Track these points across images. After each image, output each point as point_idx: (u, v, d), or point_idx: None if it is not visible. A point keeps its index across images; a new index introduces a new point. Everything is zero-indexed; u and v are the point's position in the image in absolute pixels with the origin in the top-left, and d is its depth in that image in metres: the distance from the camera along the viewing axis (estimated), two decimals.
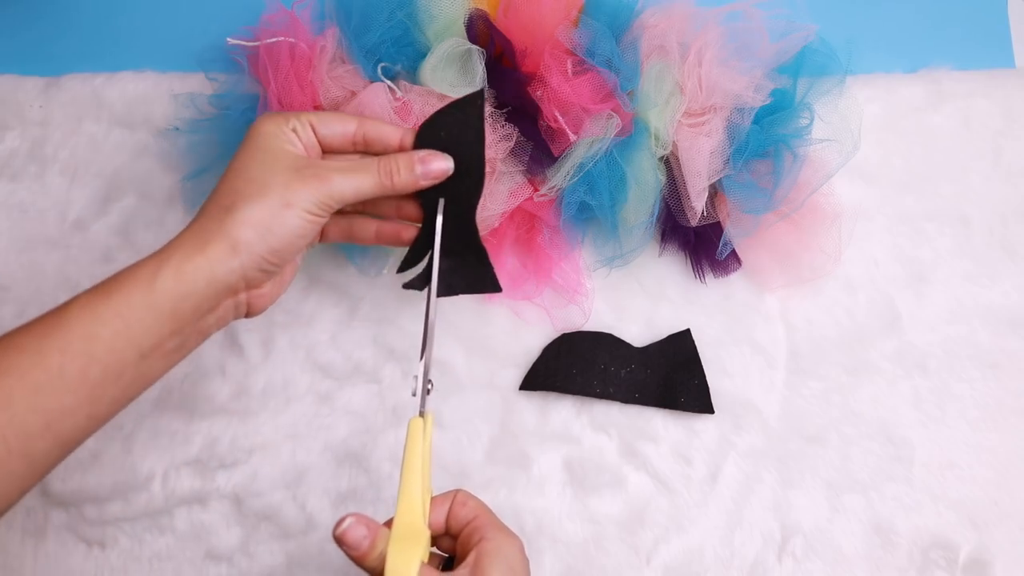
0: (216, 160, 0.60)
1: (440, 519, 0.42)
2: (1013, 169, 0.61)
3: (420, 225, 0.48)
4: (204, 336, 0.43)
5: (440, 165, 0.45)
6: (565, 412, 0.58)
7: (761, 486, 0.56)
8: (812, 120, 0.56)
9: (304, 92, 0.56)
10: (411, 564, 0.37)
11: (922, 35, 0.65)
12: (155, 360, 0.40)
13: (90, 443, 0.58)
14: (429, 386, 0.44)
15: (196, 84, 0.62)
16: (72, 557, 0.57)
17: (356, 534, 0.38)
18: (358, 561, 0.39)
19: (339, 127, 0.45)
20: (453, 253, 0.47)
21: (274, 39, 0.56)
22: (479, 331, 0.59)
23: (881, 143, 0.61)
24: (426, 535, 0.40)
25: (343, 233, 0.50)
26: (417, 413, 0.42)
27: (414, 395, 0.43)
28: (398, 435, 0.58)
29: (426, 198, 0.47)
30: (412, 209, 0.48)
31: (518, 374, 0.58)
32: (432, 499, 0.43)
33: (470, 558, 0.39)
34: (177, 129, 0.61)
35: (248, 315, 0.45)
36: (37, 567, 0.57)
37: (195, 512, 0.57)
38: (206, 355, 0.59)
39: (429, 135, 0.46)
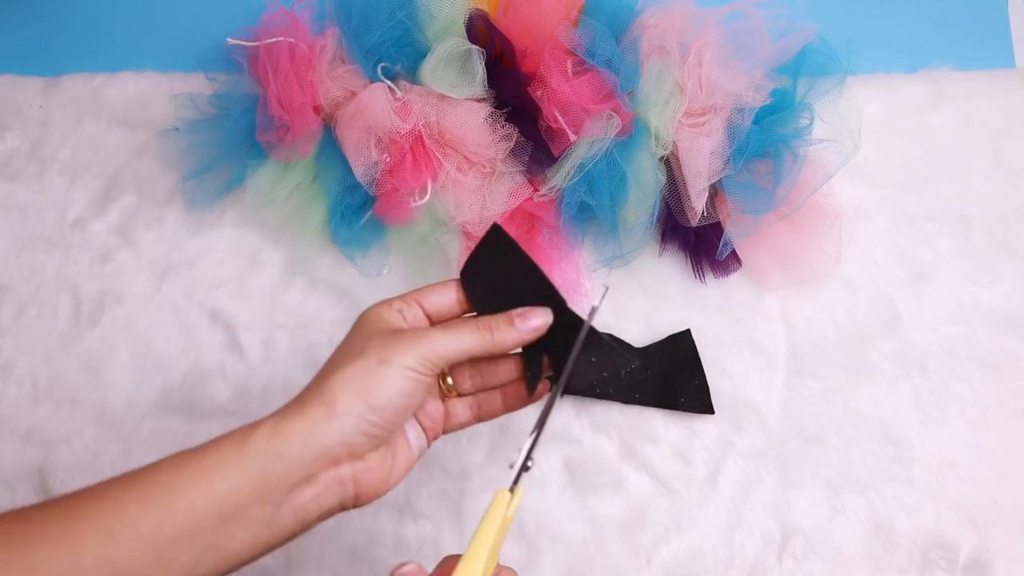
0: (216, 160, 0.60)
1: None
2: (1013, 169, 0.61)
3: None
4: (301, 518, 0.38)
5: (539, 320, 0.42)
6: (565, 412, 0.58)
7: (761, 486, 0.56)
8: (812, 120, 0.56)
9: (304, 92, 0.56)
10: None
11: (922, 35, 0.65)
12: (237, 528, 0.36)
13: (90, 444, 0.58)
14: (530, 463, 0.40)
15: (196, 84, 0.62)
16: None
17: None
18: None
19: (444, 296, 0.44)
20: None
21: (274, 39, 0.56)
22: None
23: (881, 143, 0.61)
24: None
25: (472, 414, 0.46)
26: (508, 487, 0.39)
27: (511, 467, 0.40)
28: None
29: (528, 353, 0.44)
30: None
31: None
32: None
33: None
34: (177, 129, 0.61)
35: (359, 502, 0.40)
36: None
37: None
38: (206, 356, 0.59)
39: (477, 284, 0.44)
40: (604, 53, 0.54)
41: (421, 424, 0.44)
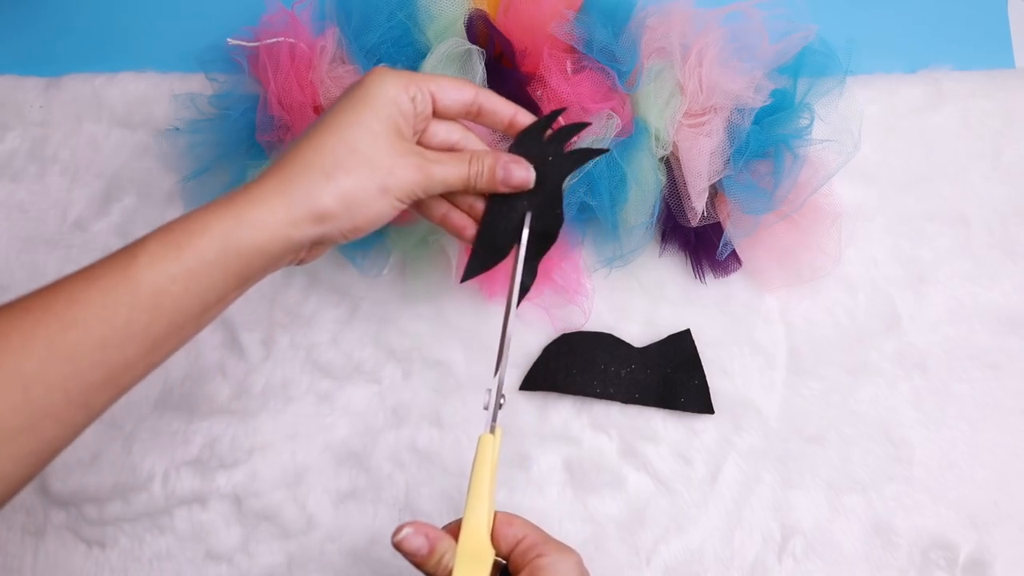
0: (216, 160, 0.60)
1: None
2: (1013, 169, 0.61)
3: (480, 229, 0.47)
4: (255, 282, 0.42)
5: (520, 175, 0.45)
6: (565, 412, 0.58)
7: (761, 486, 0.56)
8: (812, 120, 0.56)
9: (304, 92, 0.56)
10: None
11: (922, 35, 0.65)
12: (214, 312, 0.40)
13: (90, 443, 0.58)
14: (502, 400, 0.43)
15: (196, 84, 0.62)
16: (72, 557, 0.57)
17: (414, 544, 0.38)
18: (418, 566, 0.39)
19: (458, 95, 0.45)
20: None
21: (274, 39, 0.56)
22: (479, 331, 0.59)
23: (881, 143, 0.61)
24: (491, 554, 0.40)
25: (414, 205, 0.47)
26: (488, 429, 0.42)
27: (485, 408, 0.42)
28: (398, 435, 0.58)
29: (496, 204, 0.46)
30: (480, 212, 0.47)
31: (518, 374, 0.58)
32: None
33: (524, 573, 0.39)
34: (177, 129, 0.61)
35: (299, 264, 0.44)
36: (37, 567, 0.57)
37: (195, 512, 0.57)
38: (206, 355, 0.59)
39: (530, 142, 0.46)
40: (600, 40, 0.54)
41: None
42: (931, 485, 0.56)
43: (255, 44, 0.57)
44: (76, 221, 0.62)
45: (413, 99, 0.42)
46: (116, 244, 0.62)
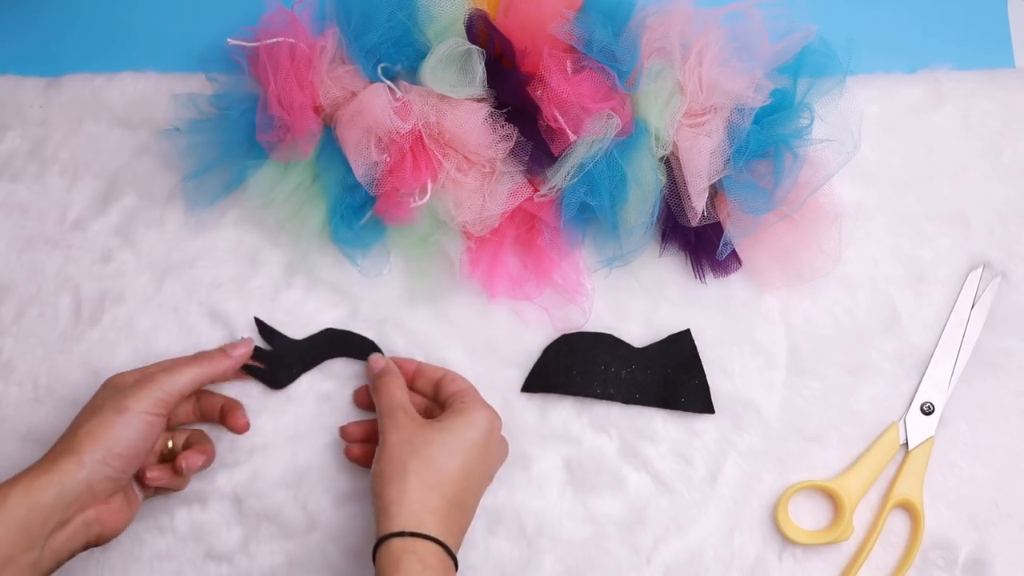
0: (216, 160, 0.60)
1: (430, 382, 0.55)
2: (1013, 169, 0.61)
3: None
4: (58, 559, 0.45)
5: (241, 350, 0.54)
6: (565, 412, 0.58)
7: (761, 486, 0.56)
8: (812, 120, 0.56)
9: (304, 92, 0.56)
10: None
11: (922, 35, 0.65)
12: (8, 575, 0.42)
13: None
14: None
15: (197, 84, 0.62)
16: (72, 558, 0.57)
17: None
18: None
19: (179, 384, 0.51)
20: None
21: (274, 39, 0.56)
22: (480, 331, 0.59)
23: (881, 143, 0.61)
24: None
25: (193, 413, 0.56)
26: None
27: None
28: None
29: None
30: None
31: (518, 374, 0.58)
32: (426, 365, 0.56)
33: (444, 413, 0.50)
34: (177, 129, 0.61)
35: (100, 540, 0.48)
36: None
37: (195, 512, 0.57)
38: None
39: None
40: (601, 40, 0.54)
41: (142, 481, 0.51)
42: (931, 485, 0.56)
43: (255, 44, 0.57)
44: (76, 221, 0.62)
45: (136, 381, 0.50)
46: (116, 244, 0.63)
